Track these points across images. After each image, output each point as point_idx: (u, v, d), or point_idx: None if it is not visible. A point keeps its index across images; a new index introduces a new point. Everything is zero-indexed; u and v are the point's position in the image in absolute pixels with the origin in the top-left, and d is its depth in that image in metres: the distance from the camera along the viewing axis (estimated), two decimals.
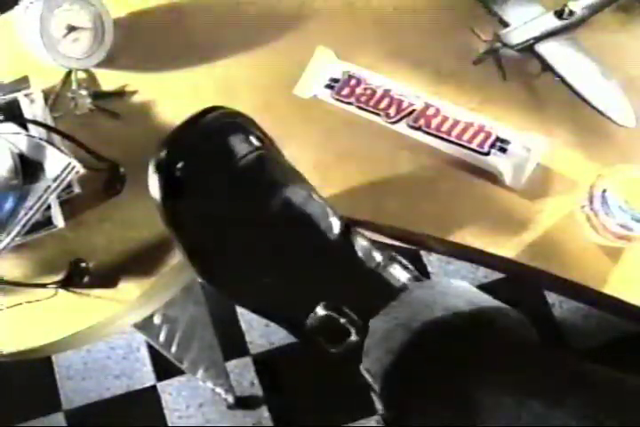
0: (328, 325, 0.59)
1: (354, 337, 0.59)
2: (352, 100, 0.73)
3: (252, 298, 0.62)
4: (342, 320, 0.59)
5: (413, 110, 0.72)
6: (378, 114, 0.72)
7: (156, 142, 0.60)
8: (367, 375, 0.58)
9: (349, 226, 0.62)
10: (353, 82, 0.73)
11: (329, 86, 0.74)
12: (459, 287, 0.60)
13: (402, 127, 0.72)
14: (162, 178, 0.59)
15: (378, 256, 0.60)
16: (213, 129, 0.61)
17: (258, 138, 0.63)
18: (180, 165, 0.59)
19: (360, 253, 0.61)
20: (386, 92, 0.73)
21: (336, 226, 0.62)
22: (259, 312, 0.63)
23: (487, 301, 0.58)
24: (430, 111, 0.72)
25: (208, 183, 0.60)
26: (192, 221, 0.61)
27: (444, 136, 0.71)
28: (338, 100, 0.73)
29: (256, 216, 0.60)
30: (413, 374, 0.55)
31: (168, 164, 0.59)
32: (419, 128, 0.72)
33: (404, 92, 0.73)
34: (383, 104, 0.73)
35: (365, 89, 0.73)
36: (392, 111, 0.72)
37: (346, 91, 0.73)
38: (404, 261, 0.61)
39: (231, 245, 0.61)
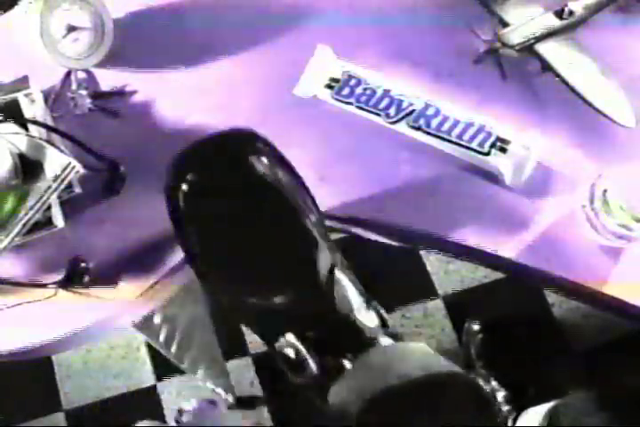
0: (293, 353, 0.61)
1: (313, 371, 0.60)
2: (352, 100, 0.73)
3: (236, 310, 0.64)
4: (304, 353, 0.60)
5: (413, 110, 0.72)
6: (378, 114, 0.72)
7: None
8: None
9: (335, 265, 0.63)
10: (353, 82, 0.73)
11: (329, 86, 0.74)
12: (415, 352, 0.62)
13: (402, 127, 0.72)
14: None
15: (356, 299, 0.62)
16: (228, 148, 0.62)
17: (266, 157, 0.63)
18: (190, 177, 0.60)
19: (339, 294, 0.61)
20: (386, 92, 0.73)
21: (325, 262, 0.62)
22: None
23: (441, 366, 0.60)
24: (430, 111, 0.72)
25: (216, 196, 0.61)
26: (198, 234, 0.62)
27: (445, 136, 0.71)
28: (338, 100, 0.73)
29: (253, 237, 0.61)
30: None
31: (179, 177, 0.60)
32: (419, 128, 0.72)
33: (403, 91, 0.73)
34: (383, 104, 0.73)
35: (365, 89, 0.73)
36: (392, 111, 0.72)
37: (346, 91, 0.73)
38: (379, 307, 0.63)
39: (228, 257, 0.62)
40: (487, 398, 0.59)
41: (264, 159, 0.61)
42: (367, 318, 0.61)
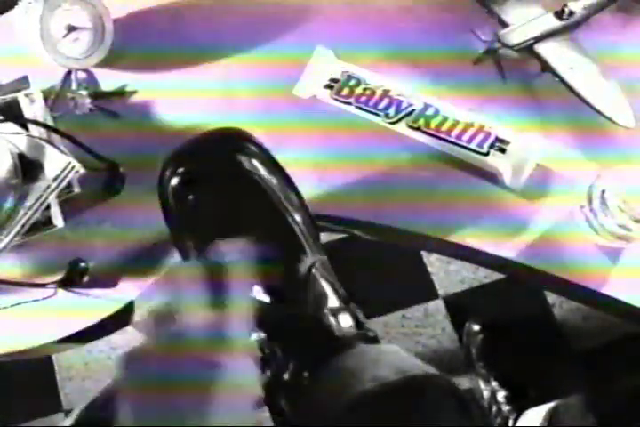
0: (261, 350, 0.61)
1: (272, 371, 0.61)
2: (351, 100, 0.73)
3: None
4: (268, 353, 0.60)
5: (413, 110, 0.72)
6: (377, 114, 0.73)
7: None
8: None
9: (314, 265, 0.63)
10: (352, 82, 0.74)
11: (328, 86, 0.74)
12: (389, 354, 0.61)
13: (401, 127, 0.72)
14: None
15: (332, 300, 0.62)
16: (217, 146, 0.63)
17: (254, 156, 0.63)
18: (181, 170, 0.61)
19: (314, 294, 0.62)
20: (385, 93, 0.73)
21: (305, 261, 0.62)
22: None
23: (416, 368, 0.60)
24: (430, 111, 0.72)
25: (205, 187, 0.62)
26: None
27: (444, 136, 0.71)
28: (337, 100, 0.73)
29: (237, 232, 0.61)
30: None
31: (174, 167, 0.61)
32: (418, 128, 0.72)
33: (403, 92, 0.73)
34: (383, 104, 0.73)
35: (365, 89, 0.73)
36: (391, 111, 0.72)
37: (345, 91, 0.73)
38: (357, 311, 0.63)
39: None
40: (465, 398, 0.59)
41: (252, 159, 0.61)
42: (343, 320, 0.61)
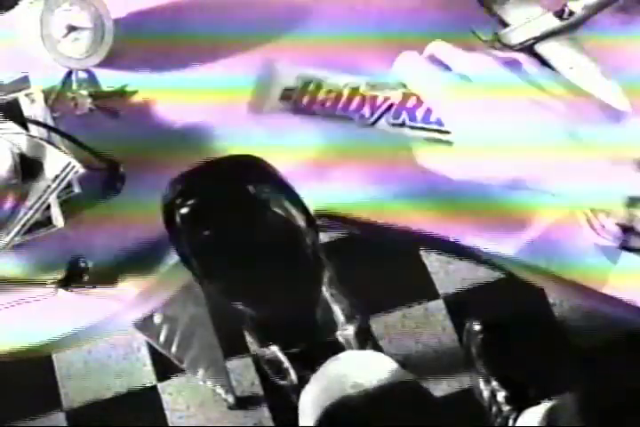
0: (276, 362, 0.64)
1: (293, 380, 0.63)
2: (315, 108, 0.56)
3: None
4: (286, 364, 0.63)
5: (391, 104, 0.56)
6: (350, 118, 0.57)
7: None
8: None
9: (322, 283, 0.65)
10: (311, 87, 0.56)
11: (286, 97, 0.57)
12: (371, 362, 0.64)
13: (384, 126, 0.57)
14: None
15: (339, 316, 0.63)
16: (227, 172, 0.64)
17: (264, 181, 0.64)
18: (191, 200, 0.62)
19: (324, 312, 0.64)
20: (354, 91, 0.56)
21: (315, 280, 0.64)
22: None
23: (397, 375, 0.62)
24: (411, 102, 0.57)
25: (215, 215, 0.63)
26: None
27: (436, 127, 0.57)
28: (298, 112, 0.57)
29: (248, 255, 0.63)
30: None
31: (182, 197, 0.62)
32: (403, 124, 0.57)
33: (376, 84, 0.57)
34: (354, 105, 0.56)
35: (328, 91, 0.56)
36: (366, 111, 0.56)
37: (306, 99, 0.56)
38: (362, 323, 0.65)
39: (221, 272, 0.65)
40: (437, 405, 0.61)
41: (263, 186, 0.62)
42: (347, 332, 0.63)
